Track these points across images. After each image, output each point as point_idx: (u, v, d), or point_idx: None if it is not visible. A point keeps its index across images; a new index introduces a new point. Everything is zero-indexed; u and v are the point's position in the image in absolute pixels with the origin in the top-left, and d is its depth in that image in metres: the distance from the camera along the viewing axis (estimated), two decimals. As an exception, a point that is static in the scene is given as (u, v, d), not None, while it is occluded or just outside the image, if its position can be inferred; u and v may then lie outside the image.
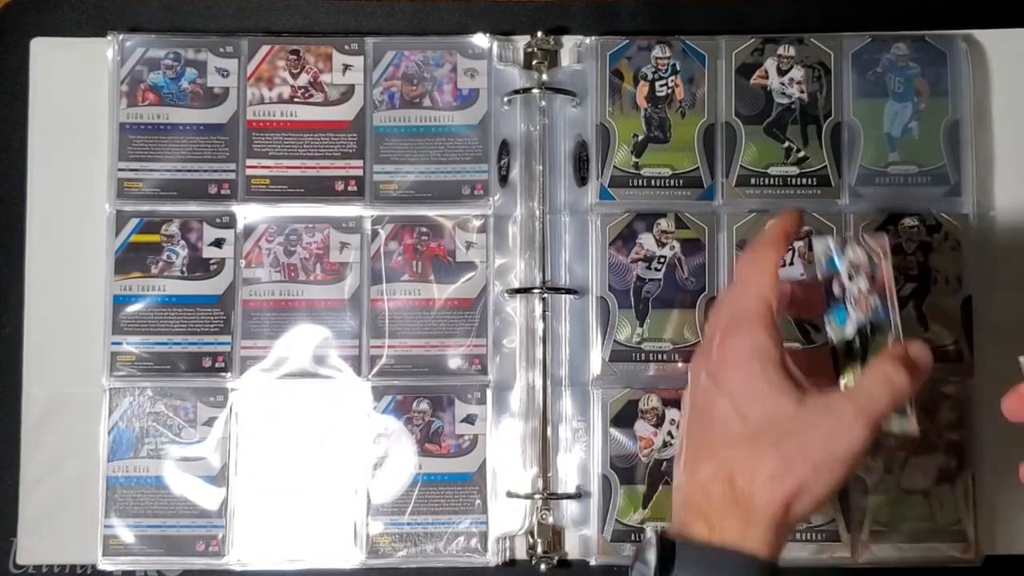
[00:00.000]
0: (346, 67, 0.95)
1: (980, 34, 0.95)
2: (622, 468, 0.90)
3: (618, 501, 0.90)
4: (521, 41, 0.96)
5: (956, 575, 0.92)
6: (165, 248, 0.93)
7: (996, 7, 0.96)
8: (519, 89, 0.94)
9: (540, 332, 0.92)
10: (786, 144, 0.93)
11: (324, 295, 0.93)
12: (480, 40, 0.95)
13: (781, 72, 0.93)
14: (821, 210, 0.92)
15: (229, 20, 0.97)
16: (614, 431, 0.91)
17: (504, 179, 0.94)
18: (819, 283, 0.77)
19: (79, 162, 0.95)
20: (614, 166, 0.93)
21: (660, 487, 0.90)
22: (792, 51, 0.93)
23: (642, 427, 0.91)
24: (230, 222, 0.94)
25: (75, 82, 0.95)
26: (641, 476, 0.90)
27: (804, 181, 0.92)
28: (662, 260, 0.92)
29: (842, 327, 0.75)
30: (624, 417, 0.91)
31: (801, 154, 0.93)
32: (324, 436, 0.92)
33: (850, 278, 0.76)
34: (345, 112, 0.95)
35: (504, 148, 0.94)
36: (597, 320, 0.92)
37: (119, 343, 0.92)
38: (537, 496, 0.91)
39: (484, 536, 0.91)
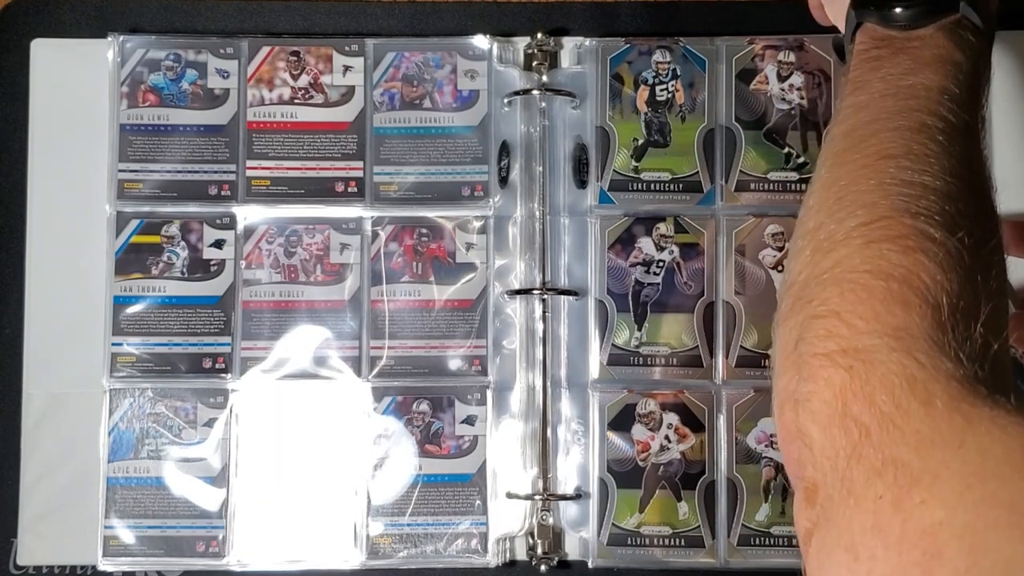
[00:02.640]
0: (346, 68, 0.95)
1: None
2: (619, 472, 0.91)
3: (615, 505, 0.91)
4: (521, 42, 0.96)
5: None
6: (165, 249, 0.93)
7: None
8: (519, 90, 0.94)
9: (540, 333, 0.93)
10: (786, 150, 0.93)
11: (324, 296, 0.94)
12: (480, 41, 0.95)
13: (781, 78, 0.93)
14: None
15: (229, 21, 0.97)
16: (611, 435, 0.91)
17: (504, 180, 0.94)
18: None
19: (79, 163, 0.95)
20: (614, 170, 0.93)
21: (657, 491, 0.91)
22: (792, 57, 0.93)
23: (640, 431, 0.91)
24: (230, 223, 0.94)
25: (75, 83, 0.95)
26: (638, 480, 0.91)
27: (803, 187, 0.92)
28: (661, 264, 0.92)
29: None
30: (622, 421, 0.91)
31: (801, 160, 0.93)
32: (324, 437, 0.93)
33: None
34: (345, 113, 0.95)
35: (504, 149, 0.95)
36: (595, 324, 0.92)
37: (119, 344, 0.93)
38: (537, 497, 0.91)
39: (484, 537, 0.92)
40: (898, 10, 0.68)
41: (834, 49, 0.93)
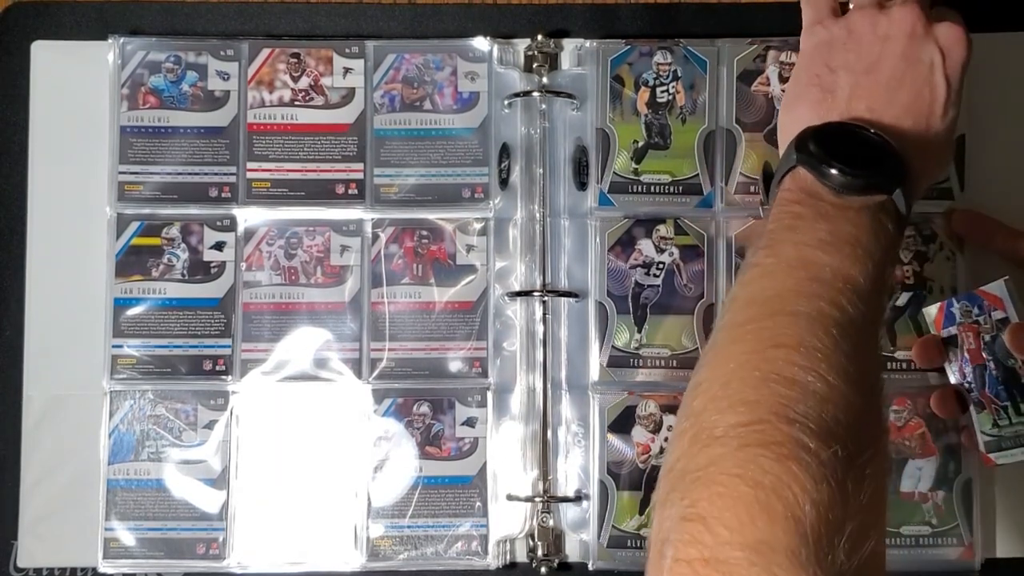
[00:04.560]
0: (347, 70, 0.95)
1: (975, 38, 0.95)
2: (619, 474, 0.91)
3: (615, 507, 0.91)
4: (521, 44, 0.96)
5: (954, 579, 0.92)
6: (166, 251, 0.93)
7: (991, 11, 0.96)
8: (519, 92, 0.94)
9: (540, 335, 0.93)
10: (787, 152, 0.93)
11: (324, 298, 0.94)
12: (480, 43, 0.95)
13: (783, 79, 0.93)
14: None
15: (230, 23, 0.97)
16: (611, 437, 0.91)
17: (504, 182, 0.94)
18: None
19: (80, 165, 0.95)
20: (614, 172, 0.93)
21: (657, 494, 0.91)
22: (794, 58, 0.93)
23: (639, 433, 0.91)
24: (231, 225, 0.94)
25: (76, 85, 0.95)
26: (638, 482, 0.91)
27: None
28: (661, 266, 0.92)
29: None
30: (622, 423, 0.91)
31: (801, 161, 0.93)
32: (324, 439, 0.93)
33: None
34: (345, 115, 0.95)
35: (504, 151, 0.94)
36: (595, 325, 0.92)
37: (120, 346, 0.93)
38: (537, 499, 0.91)
39: (484, 539, 0.92)
40: (835, 172, 0.69)
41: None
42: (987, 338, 0.87)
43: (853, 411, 0.60)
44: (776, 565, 0.53)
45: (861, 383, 0.62)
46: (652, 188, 0.93)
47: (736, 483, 0.56)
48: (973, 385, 0.87)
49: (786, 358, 0.61)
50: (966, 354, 0.88)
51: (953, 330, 0.88)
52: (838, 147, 0.71)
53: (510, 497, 0.92)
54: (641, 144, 0.93)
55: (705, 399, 0.62)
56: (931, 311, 0.89)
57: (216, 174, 0.94)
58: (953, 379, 0.88)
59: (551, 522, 0.91)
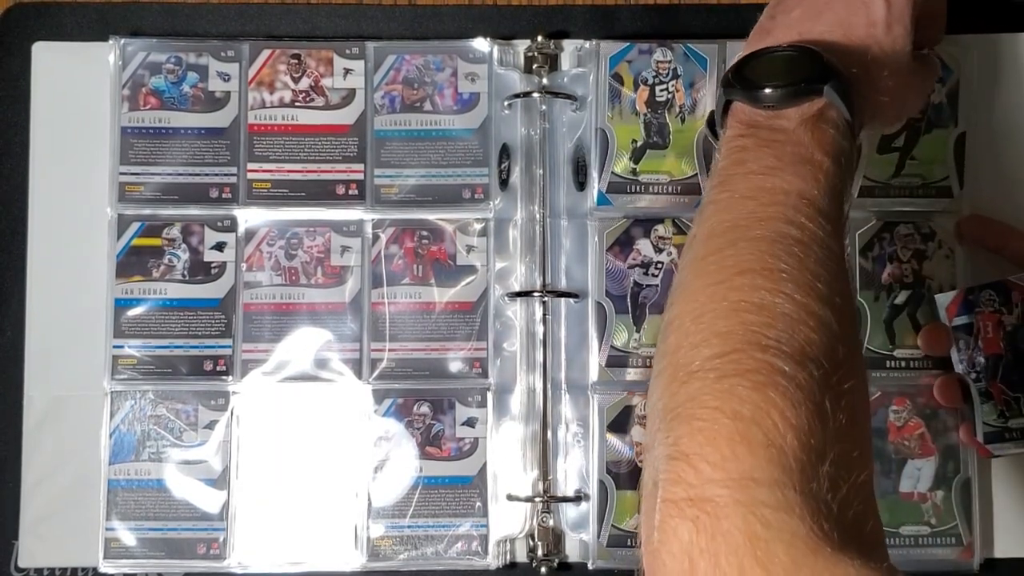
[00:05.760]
0: (347, 71, 0.95)
1: (971, 39, 0.95)
2: (618, 473, 0.91)
3: (614, 507, 0.91)
4: (521, 45, 0.96)
5: (954, 579, 0.92)
6: (166, 252, 0.94)
7: (990, 12, 0.96)
8: (519, 93, 0.94)
9: (540, 335, 0.93)
10: (785, 151, 0.93)
11: (325, 298, 0.94)
12: (481, 44, 0.95)
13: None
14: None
15: (231, 24, 0.97)
16: (611, 437, 0.91)
17: (504, 183, 0.94)
18: None
19: (81, 166, 0.95)
20: (612, 172, 0.93)
21: (657, 493, 0.91)
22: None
23: (639, 433, 0.91)
24: (231, 226, 0.94)
25: (77, 86, 0.95)
26: (637, 482, 0.91)
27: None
28: (659, 266, 0.92)
29: None
30: (621, 422, 0.91)
31: (800, 161, 0.93)
32: (325, 439, 0.93)
33: None
34: (346, 116, 0.95)
35: (504, 152, 0.95)
36: (594, 326, 0.92)
37: (120, 346, 0.93)
38: (538, 499, 0.91)
39: (485, 539, 0.92)
40: (760, 90, 0.69)
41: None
42: (1009, 327, 0.87)
43: (825, 328, 0.60)
44: (760, 501, 0.53)
45: (831, 299, 0.61)
46: (650, 188, 0.93)
47: (716, 416, 0.56)
48: (982, 375, 0.87)
49: (752, 283, 0.60)
50: (979, 343, 0.88)
51: (968, 318, 0.88)
52: (759, 69, 0.71)
53: (510, 497, 0.92)
54: (640, 144, 0.93)
55: (678, 336, 0.62)
56: (944, 298, 0.89)
57: (217, 175, 0.94)
58: (959, 368, 0.88)
59: (551, 522, 0.91)
